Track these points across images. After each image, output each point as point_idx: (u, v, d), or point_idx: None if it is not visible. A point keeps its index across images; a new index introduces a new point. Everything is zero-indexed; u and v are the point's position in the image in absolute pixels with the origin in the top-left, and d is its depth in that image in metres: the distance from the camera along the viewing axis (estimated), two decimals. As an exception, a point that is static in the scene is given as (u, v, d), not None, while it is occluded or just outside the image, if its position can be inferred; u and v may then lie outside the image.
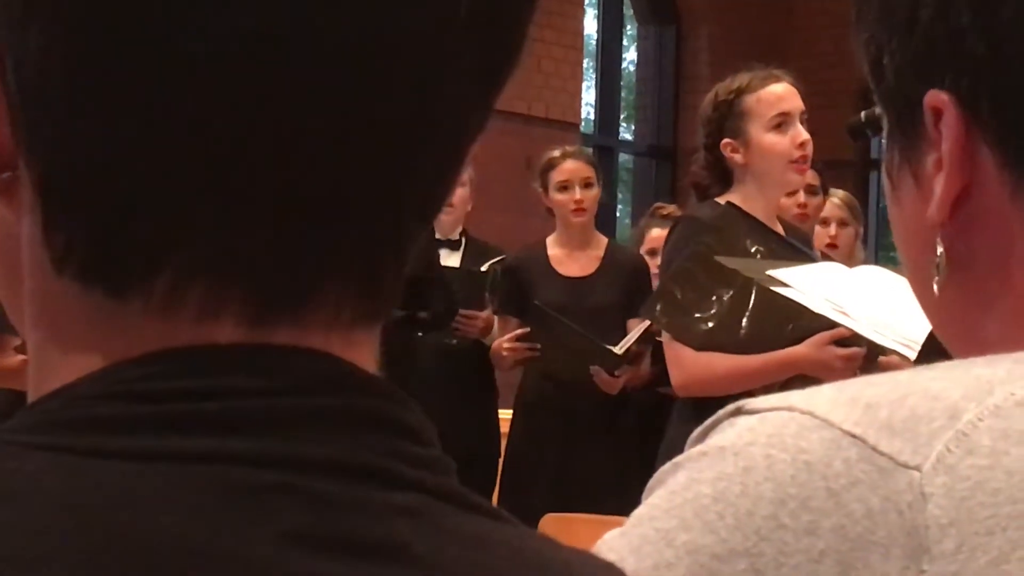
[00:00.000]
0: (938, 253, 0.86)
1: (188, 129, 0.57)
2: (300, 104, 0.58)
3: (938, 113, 0.85)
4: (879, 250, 11.35)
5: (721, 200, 3.72)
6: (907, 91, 0.86)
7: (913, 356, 3.03)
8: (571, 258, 5.38)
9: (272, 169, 0.58)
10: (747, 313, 3.37)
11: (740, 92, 3.77)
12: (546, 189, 5.37)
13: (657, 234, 5.90)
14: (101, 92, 0.57)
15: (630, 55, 12.03)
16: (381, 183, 0.60)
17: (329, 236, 0.60)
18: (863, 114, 3.36)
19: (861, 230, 5.94)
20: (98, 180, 0.58)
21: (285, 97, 0.58)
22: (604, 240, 5.52)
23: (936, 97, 0.84)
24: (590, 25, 11.10)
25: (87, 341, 0.60)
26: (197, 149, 0.58)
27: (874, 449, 0.75)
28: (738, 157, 3.73)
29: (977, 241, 0.86)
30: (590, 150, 5.74)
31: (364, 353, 0.62)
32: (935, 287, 0.87)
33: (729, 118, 3.75)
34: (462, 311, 5.42)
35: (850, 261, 4.57)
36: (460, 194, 5.51)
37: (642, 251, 5.79)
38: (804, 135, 3.73)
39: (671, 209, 6.14)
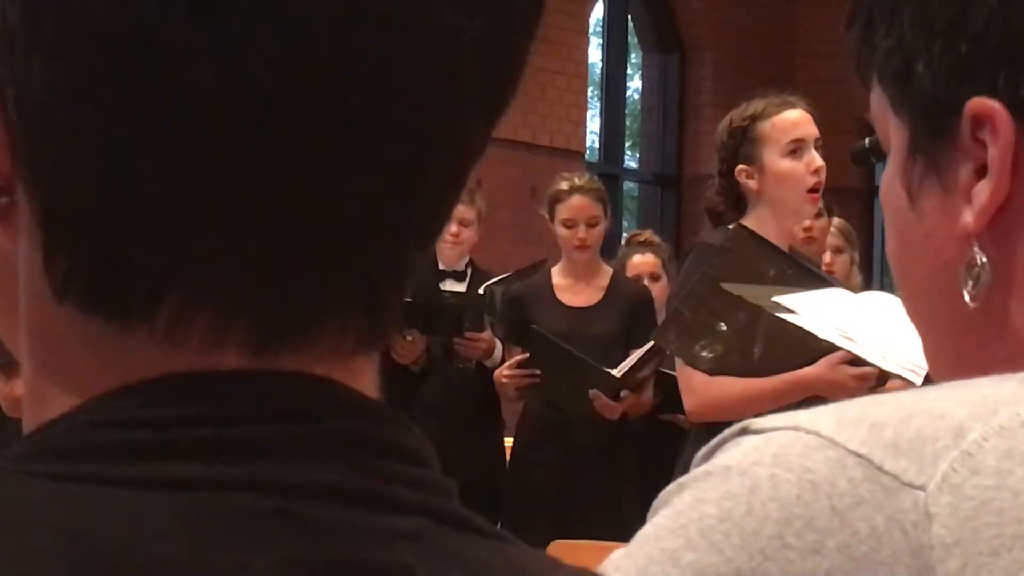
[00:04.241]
0: (979, 262, 0.85)
1: (190, 160, 0.57)
2: (303, 135, 0.58)
3: (978, 122, 0.84)
4: (884, 276, 11.33)
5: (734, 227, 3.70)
6: (945, 97, 0.85)
7: (919, 381, 3.02)
8: (575, 288, 5.37)
9: (275, 199, 0.58)
10: (759, 336, 3.35)
11: (755, 118, 3.73)
12: (552, 218, 5.36)
13: (638, 260, 5.94)
14: (103, 124, 0.57)
15: (634, 83, 12.06)
16: (383, 211, 0.60)
17: (332, 265, 0.60)
18: (867, 140, 3.35)
19: (857, 256, 5.95)
20: (100, 210, 0.58)
21: (287, 128, 0.58)
22: (609, 271, 5.51)
23: (981, 104, 0.84)
24: (594, 54, 11.13)
25: (86, 368, 0.59)
26: (199, 180, 0.57)
27: (879, 469, 0.75)
28: (752, 183, 3.70)
29: (1011, 251, 0.85)
30: (598, 179, 5.70)
31: (365, 378, 0.62)
32: (967, 296, 0.86)
33: (743, 144, 3.72)
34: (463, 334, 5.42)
35: (846, 287, 4.57)
36: (468, 233, 5.52)
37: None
38: (819, 161, 3.69)
39: (647, 235, 6.20)
